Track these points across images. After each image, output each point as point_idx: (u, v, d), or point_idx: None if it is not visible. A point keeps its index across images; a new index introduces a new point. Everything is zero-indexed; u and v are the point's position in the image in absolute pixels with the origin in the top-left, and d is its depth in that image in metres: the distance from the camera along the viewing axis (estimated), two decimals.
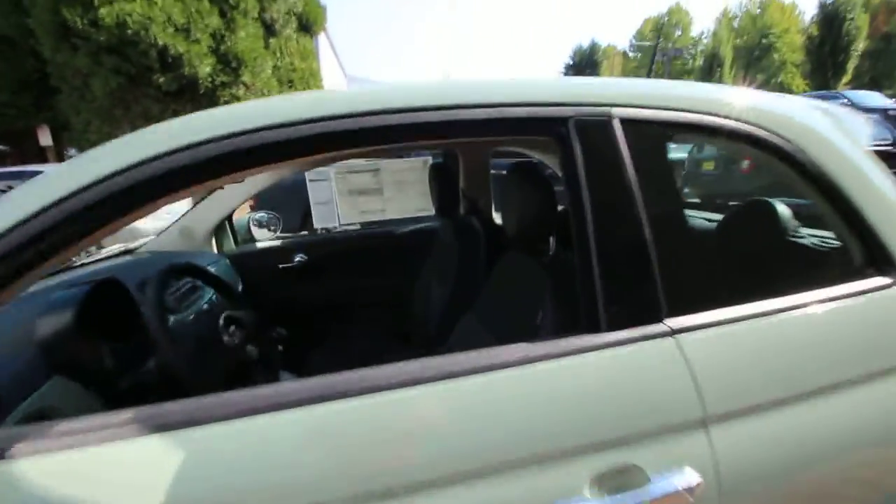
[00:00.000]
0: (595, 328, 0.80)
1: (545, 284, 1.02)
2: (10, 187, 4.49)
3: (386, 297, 2.23)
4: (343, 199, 2.13)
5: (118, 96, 7.69)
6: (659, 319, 0.83)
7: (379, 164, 2.10)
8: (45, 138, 9.01)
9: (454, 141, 0.86)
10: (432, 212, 2.15)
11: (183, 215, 1.97)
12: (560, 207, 1.19)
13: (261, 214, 2.33)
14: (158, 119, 1.02)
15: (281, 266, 2.11)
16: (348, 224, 2.23)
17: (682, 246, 0.87)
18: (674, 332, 0.82)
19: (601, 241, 0.81)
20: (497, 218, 2.24)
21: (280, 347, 1.54)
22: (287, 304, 2.18)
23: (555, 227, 1.09)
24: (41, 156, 9.38)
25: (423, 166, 2.15)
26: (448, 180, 1.79)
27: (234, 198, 1.97)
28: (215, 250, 2.04)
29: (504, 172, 2.59)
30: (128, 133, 0.74)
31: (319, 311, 2.21)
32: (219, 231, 2.06)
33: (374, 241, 2.23)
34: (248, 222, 2.18)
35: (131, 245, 1.90)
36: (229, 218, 2.10)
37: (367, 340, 1.99)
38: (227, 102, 4.05)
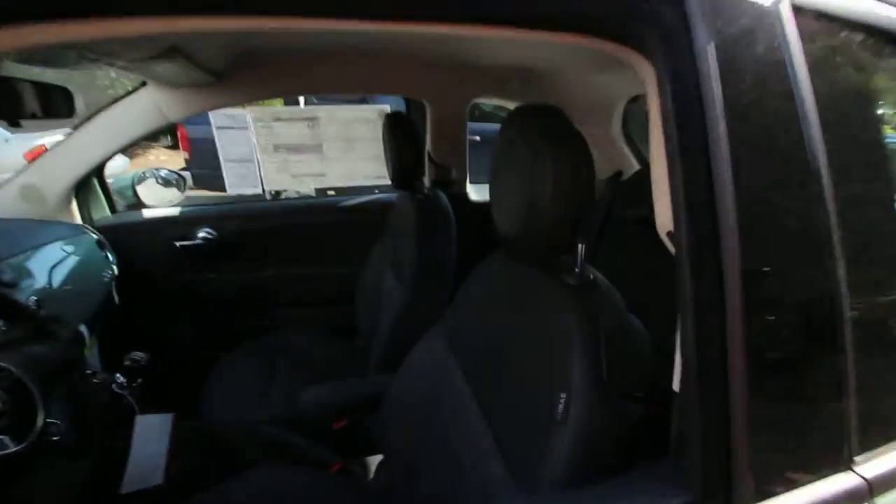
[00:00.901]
0: (715, 487, 0.35)
1: (571, 337, 0.55)
2: None
3: (321, 292, 1.72)
4: (267, 156, 1.57)
5: None
6: (845, 463, 0.38)
7: (318, 111, 1.54)
8: None
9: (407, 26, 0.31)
10: (388, 180, 1.64)
11: (24, 169, 1.36)
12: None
13: (165, 172, 1.72)
14: None
15: (178, 244, 1.55)
16: (276, 190, 1.67)
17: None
18: (872, 489, 0.38)
19: (752, 280, 0.34)
20: (474, 194, 1.75)
21: (139, 380, 1.01)
22: (181, 298, 1.62)
23: (590, 226, 0.62)
24: None
25: (378, 117, 1.61)
26: (409, 138, 1.26)
27: (104, 145, 1.37)
28: (77, 218, 1.45)
29: (478, 139, 1.89)
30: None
31: (228, 309, 1.68)
32: (82, 191, 1.46)
33: (310, 215, 1.69)
34: (134, 181, 1.58)
35: None
36: (99, 173, 1.50)
37: (290, 350, 1.49)
38: None
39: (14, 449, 0.57)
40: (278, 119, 1.52)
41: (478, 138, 3.98)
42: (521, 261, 0.71)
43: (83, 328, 1.17)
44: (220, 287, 1.62)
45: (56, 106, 0.84)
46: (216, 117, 1.49)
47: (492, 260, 0.85)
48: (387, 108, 1.63)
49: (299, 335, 1.56)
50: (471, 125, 1.71)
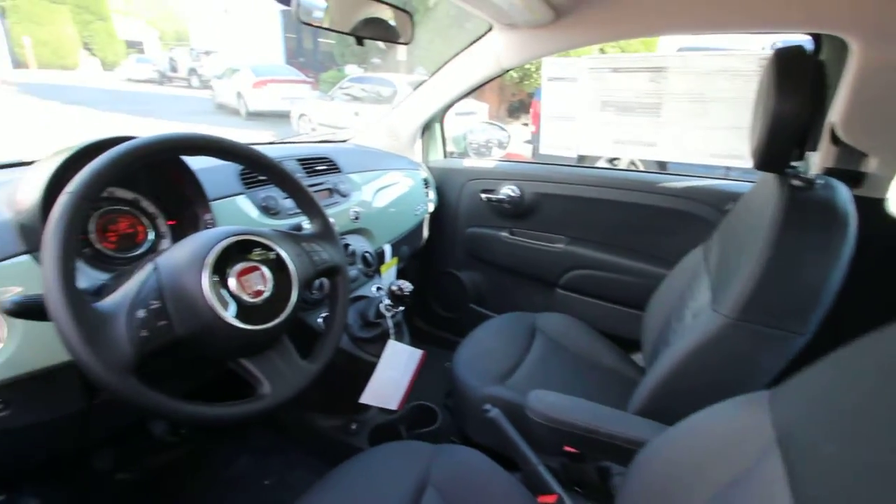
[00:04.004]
0: None
1: None
2: (364, 90, 5.51)
3: (611, 286, 1.43)
4: (591, 114, 1.36)
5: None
6: None
7: (668, 60, 1.19)
8: (401, 54, 10.87)
9: None
10: (745, 160, 1.16)
11: (392, 110, 1.62)
12: None
13: (496, 128, 1.79)
14: None
15: (484, 196, 1.57)
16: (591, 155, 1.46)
17: None
18: None
19: None
20: None
21: (401, 309, 1.03)
22: (472, 248, 1.66)
23: None
24: (395, 69, 11.37)
25: (759, 68, 1.13)
26: (807, 89, 0.78)
27: (446, 92, 1.48)
28: (418, 156, 1.66)
29: None
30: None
31: (508, 271, 1.62)
32: (427, 134, 1.65)
33: (625, 191, 1.39)
34: (467, 133, 1.69)
35: (332, 137, 1.70)
36: (441, 121, 1.65)
37: (554, 338, 1.30)
38: None
39: (253, 326, 0.60)
40: (616, 69, 1.26)
41: None
42: None
43: (387, 247, 1.32)
44: (508, 247, 1.58)
45: (392, 31, 0.88)
46: (549, 67, 1.37)
47: None
48: (774, 46, 1.12)
49: (570, 326, 1.33)
50: None
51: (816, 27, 1.00)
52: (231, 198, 0.91)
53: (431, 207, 1.60)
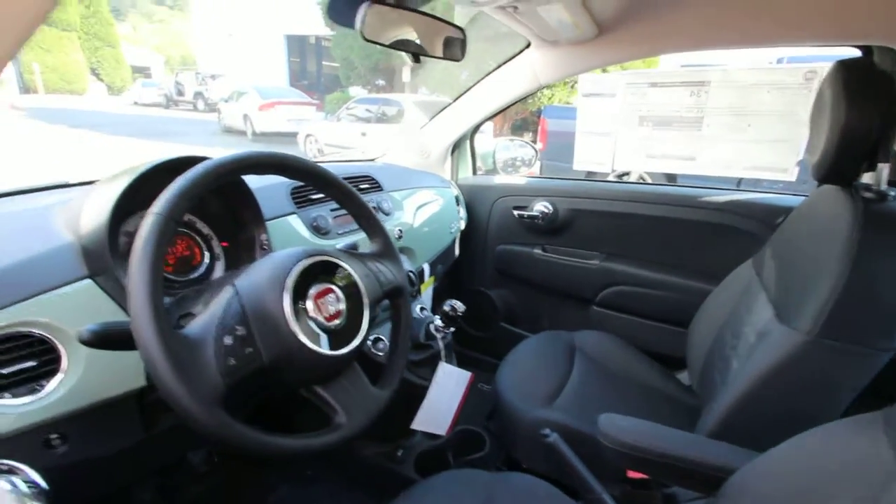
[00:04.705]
0: None
1: None
2: (369, 110, 5.60)
3: (650, 302, 1.40)
4: (627, 130, 1.35)
5: None
6: None
7: (709, 74, 1.19)
8: (405, 75, 11.06)
9: None
10: (789, 174, 1.15)
11: (421, 128, 1.62)
12: None
13: (522, 143, 1.79)
14: None
15: (517, 213, 1.55)
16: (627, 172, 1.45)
17: None
18: None
19: None
20: None
21: (451, 330, 1.00)
22: (504, 265, 1.63)
23: None
24: (400, 90, 11.58)
25: (805, 80, 1.12)
26: (875, 100, 0.77)
27: (480, 109, 1.48)
28: (448, 174, 1.65)
29: None
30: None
31: (542, 289, 1.59)
32: (457, 151, 1.64)
33: (663, 206, 1.37)
34: (496, 149, 1.69)
35: (361, 156, 1.69)
36: (471, 138, 1.65)
37: (592, 356, 1.26)
38: None
39: (332, 352, 0.57)
40: (654, 84, 1.26)
41: None
42: None
43: (426, 266, 1.29)
44: (541, 264, 1.55)
45: (444, 48, 0.87)
46: (585, 84, 1.37)
47: None
48: (820, 68, 1.12)
49: (609, 345, 1.30)
50: None
51: (871, 39, 0.99)
52: (283, 217, 0.89)
53: (463, 225, 1.58)
